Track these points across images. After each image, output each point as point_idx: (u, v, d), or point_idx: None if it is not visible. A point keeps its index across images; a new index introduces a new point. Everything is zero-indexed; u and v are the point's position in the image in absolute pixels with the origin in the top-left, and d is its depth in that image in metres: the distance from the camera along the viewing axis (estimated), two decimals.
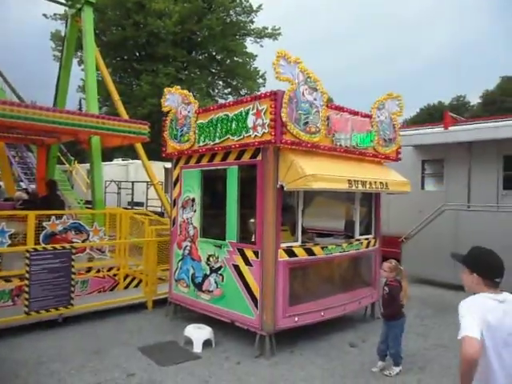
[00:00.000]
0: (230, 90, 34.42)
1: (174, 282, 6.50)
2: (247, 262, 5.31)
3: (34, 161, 12.23)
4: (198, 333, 5.33)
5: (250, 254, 5.29)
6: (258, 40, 32.73)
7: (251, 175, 5.32)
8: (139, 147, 10.36)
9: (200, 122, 5.98)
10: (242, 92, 32.81)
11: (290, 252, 5.25)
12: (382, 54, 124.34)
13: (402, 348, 4.80)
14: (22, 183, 13.29)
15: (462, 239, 8.27)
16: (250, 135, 5.24)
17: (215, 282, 5.73)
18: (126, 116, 10.57)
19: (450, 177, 10.25)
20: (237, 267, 5.43)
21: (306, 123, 5.17)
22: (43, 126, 6.98)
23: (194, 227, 6.13)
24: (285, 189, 5.06)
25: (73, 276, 6.02)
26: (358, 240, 6.29)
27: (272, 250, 5.08)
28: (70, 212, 8.54)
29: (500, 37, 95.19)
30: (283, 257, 5.16)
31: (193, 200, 6.18)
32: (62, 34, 21.11)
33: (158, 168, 16.38)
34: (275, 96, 4.95)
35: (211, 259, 5.79)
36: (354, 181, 5.33)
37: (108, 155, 21.09)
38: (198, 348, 5.21)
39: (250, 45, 33.16)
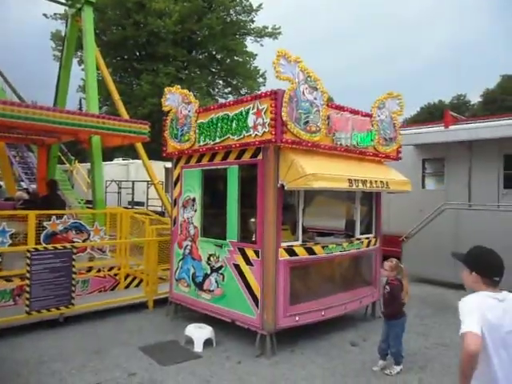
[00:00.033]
0: (230, 89, 34.43)
1: (175, 282, 6.51)
2: (248, 262, 5.31)
3: (34, 161, 12.24)
4: (199, 332, 5.34)
5: (250, 253, 5.29)
6: (258, 39, 32.75)
7: (252, 174, 5.32)
8: (140, 147, 10.36)
9: (200, 122, 5.99)
10: (243, 91, 32.80)
11: (290, 251, 5.25)
12: (381, 54, 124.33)
13: (403, 347, 4.80)
14: (22, 183, 13.31)
15: (462, 238, 8.27)
16: (250, 134, 5.24)
17: (216, 282, 5.74)
18: (126, 116, 10.57)
19: (450, 176, 10.25)
20: (237, 266, 5.43)
21: (307, 122, 5.17)
22: (44, 126, 7.00)
23: (195, 227, 6.13)
24: (285, 188, 5.06)
25: (74, 276, 6.03)
26: (359, 239, 6.29)
27: (273, 249, 5.08)
28: (70, 212, 8.55)
29: (500, 37, 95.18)
30: (284, 256, 5.16)
31: (193, 199, 6.18)
32: (63, 33, 21.12)
33: (159, 168, 16.39)
34: (275, 95, 4.95)
35: (212, 259, 5.80)
36: (355, 180, 5.33)
37: (108, 155, 21.09)
38: (198, 347, 5.21)
39: (250, 44, 33.23)
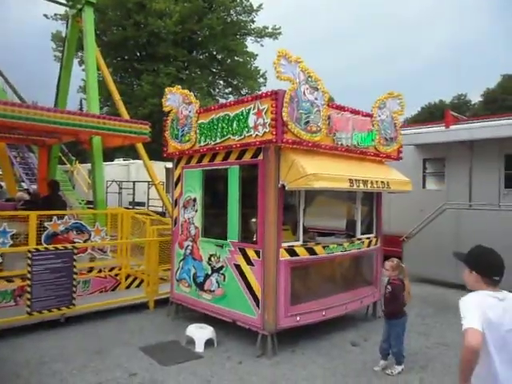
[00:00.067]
0: (230, 89, 34.46)
1: (176, 282, 6.51)
2: (249, 262, 5.31)
3: (35, 161, 12.24)
4: (200, 332, 5.34)
5: (251, 253, 5.29)
6: (259, 39, 32.79)
7: (252, 175, 5.32)
8: (140, 147, 10.37)
9: (201, 122, 5.99)
10: (243, 91, 32.83)
11: (291, 251, 5.25)
12: (381, 54, 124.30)
13: (404, 347, 4.80)
14: (23, 184, 13.32)
15: (463, 238, 8.27)
16: (251, 135, 5.24)
17: (217, 282, 5.74)
18: (126, 116, 10.58)
19: (451, 176, 10.25)
20: (238, 267, 5.44)
21: (307, 122, 5.17)
22: (44, 127, 7.01)
23: (196, 227, 6.13)
24: (286, 188, 5.05)
25: (75, 276, 6.03)
26: (360, 239, 6.29)
27: (273, 249, 5.08)
28: (71, 212, 8.56)
29: (500, 37, 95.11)
30: (285, 256, 5.16)
31: (194, 200, 6.18)
32: (63, 34, 21.14)
33: (159, 168, 16.41)
34: (276, 95, 4.95)
35: (213, 259, 5.80)
36: (355, 180, 5.33)
37: (109, 155, 21.11)
38: (199, 348, 5.21)
39: (251, 44, 33.27)
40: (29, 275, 5.64)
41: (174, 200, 6.64)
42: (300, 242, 5.44)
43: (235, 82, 33.77)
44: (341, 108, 5.77)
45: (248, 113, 5.29)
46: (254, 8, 31.64)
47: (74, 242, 6.81)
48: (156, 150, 12.90)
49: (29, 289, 5.65)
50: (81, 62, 25.88)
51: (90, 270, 7.64)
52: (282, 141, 4.98)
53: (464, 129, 9.83)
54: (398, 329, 4.70)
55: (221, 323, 5.67)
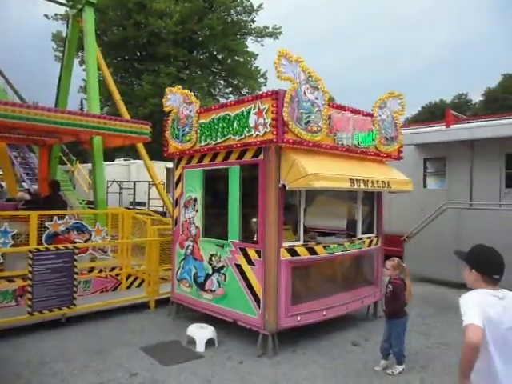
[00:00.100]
0: (231, 89, 34.46)
1: (177, 282, 6.51)
2: (249, 262, 5.31)
3: (36, 161, 12.25)
4: (201, 332, 5.34)
5: (252, 253, 5.29)
6: (259, 39, 32.79)
7: (253, 175, 5.32)
8: (141, 147, 10.36)
9: (202, 122, 5.99)
10: (243, 91, 32.83)
11: (292, 251, 5.25)
12: (381, 54, 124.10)
13: (405, 346, 4.80)
14: (24, 184, 13.32)
15: (464, 237, 8.26)
16: (251, 135, 5.24)
17: (217, 282, 5.74)
18: (127, 116, 10.57)
19: (452, 175, 10.24)
20: (239, 266, 5.44)
21: (308, 122, 5.17)
22: (45, 127, 7.01)
23: (196, 227, 6.13)
24: (287, 188, 5.05)
25: (75, 276, 6.03)
26: (360, 239, 6.28)
27: (274, 249, 5.08)
28: (72, 212, 8.57)
29: (500, 37, 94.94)
30: (285, 256, 5.16)
31: (195, 200, 6.18)
32: (64, 34, 21.13)
33: (160, 168, 16.41)
34: (276, 95, 4.95)
35: (213, 259, 5.80)
36: (356, 180, 5.32)
37: (110, 155, 21.12)
38: (200, 347, 5.21)
39: (251, 44, 33.27)
40: (30, 275, 5.65)
41: (175, 200, 6.64)
42: (301, 242, 5.44)
43: (236, 82, 33.77)
44: (341, 108, 5.77)
45: (248, 113, 5.29)
46: (255, 8, 31.64)
47: (75, 242, 6.81)
48: (156, 150, 12.90)
49: (30, 289, 5.66)
50: (81, 62, 25.87)
51: (91, 269, 7.65)
52: (283, 141, 4.98)
53: (465, 128, 9.82)
54: (398, 328, 4.70)
55: (221, 323, 5.67)
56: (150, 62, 29.87)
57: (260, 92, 5.84)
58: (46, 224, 6.88)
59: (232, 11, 31.88)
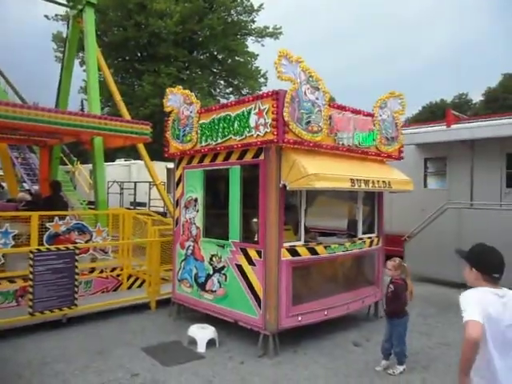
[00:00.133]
0: (231, 89, 34.47)
1: (177, 282, 6.51)
2: (250, 262, 5.31)
3: (36, 162, 12.26)
4: (202, 333, 5.34)
5: (253, 253, 5.29)
6: (259, 39, 32.80)
7: (254, 175, 5.32)
8: (141, 147, 10.37)
9: (202, 122, 5.99)
10: (244, 91, 32.84)
11: (292, 251, 5.25)
12: (381, 54, 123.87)
13: (407, 347, 4.79)
14: (25, 184, 13.33)
15: (464, 237, 8.25)
16: (252, 135, 5.24)
17: (218, 282, 5.74)
18: (128, 116, 10.58)
19: (452, 175, 10.24)
20: (240, 267, 5.43)
21: (308, 122, 5.17)
22: (46, 127, 7.02)
23: (197, 227, 6.13)
24: (287, 188, 5.05)
25: (76, 276, 6.04)
26: (361, 239, 6.28)
27: (275, 249, 5.08)
28: (73, 213, 8.57)
29: (500, 37, 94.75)
30: (286, 256, 5.16)
31: (195, 200, 6.18)
32: (64, 35, 21.14)
33: (161, 168, 16.41)
34: (277, 95, 4.95)
35: (214, 259, 5.80)
36: (357, 180, 5.32)
37: (110, 156, 21.13)
38: (201, 348, 5.21)
39: (251, 44, 33.27)
40: (31, 276, 5.65)
41: (176, 200, 6.64)
42: (301, 242, 5.44)
43: (236, 82, 33.78)
44: (342, 108, 5.77)
45: (249, 113, 5.29)
46: (255, 8, 31.66)
47: (76, 243, 6.81)
48: (157, 151, 12.89)
49: (31, 289, 5.66)
50: (82, 63, 25.85)
51: (92, 270, 7.65)
52: (283, 141, 4.98)
53: (465, 128, 9.82)
54: (399, 328, 4.70)
55: (222, 323, 5.67)
56: (151, 63, 29.89)
57: (260, 92, 5.84)
58: (47, 224, 6.88)
59: (232, 11, 31.89)
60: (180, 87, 6.48)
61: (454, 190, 10.00)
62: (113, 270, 7.83)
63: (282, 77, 4.98)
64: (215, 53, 32.93)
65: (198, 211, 6.13)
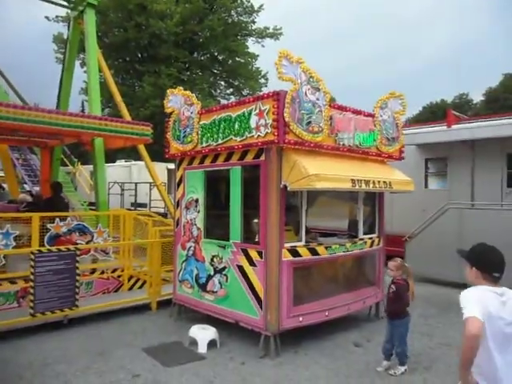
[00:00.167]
0: (232, 90, 34.45)
1: (178, 283, 6.51)
2: (251, 263, 5.31)
3: (37, 163, 12.28)
4: (203, 333, 5.34)
5: (253, 254, 5.29)
6: (260, 40, 32.78)
7: (254, 175, 5.32)
8: (142, 148, 10.38)
9: (203, 123, 5.99)
10: (244, 92, 32.83)
11: (293, 252, 5.25)
12: (381, 54, 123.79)
13: (408, 347, 4.79)
14: (25, 185, 13.34)
15: (465, 237, 8.24)
16: (252, 135, 5.25)
17: (219, 283, 5.74)
18: (128, 117, 10.59)
19: (453, 175, 10.23)
20: (241, 267, 5.43)
21: (309, 123, 5.17)
22: (46, 128, 7.03)
23: (198, 228, 6.13)
24: (288, 189, 5.05)
25: (77, 277, 6.04)
26: (362, 239, 6.28)
27: (276, 249, 5.08)
28: (73, 214, 8.58)
29: (500, 37, 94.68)
30: (287, 257, 5.16)
31: (196, 201, 6.18)
32: (65, 36, 21.17)
33: (161, 169, 16.42)
34: (278, 96, 4.95)
35: (215, 260, 5.80)
36: (358, 180, 5.32)
37: (111, 156, 21.15)
38: (202, 348, 5.21)
39: (252, 45, 33.26)
40: (32, 277, 5.66)
41: (176, 201, 6.64)
42: (302, 243, 5.44)
43: (236, 83, 33.76)
44: (342, 108, 5.77)
45: (250, 113, 5.29)
46: (255, 9, 31.65)
47: (77, 244, 6.81)
48: (158, 151, 12.90)
49: (32, 290, 5.67)
50: (82, 64, 25.91)
51: (93, 271, 7.64)
52: (284, 141, 4.98)
53: (466, 128, 9.81)
54: (401, 329, 4.70)
55: (223, 324, 5.67)
56: (151, 64, 29.90)
57: (261, 93, 5.84)
58: (48, 226, 6.88)
59: (232, 12, 31.89)
60: (180, 88, 6.49)
61: (454, 191, 10.00)
62: (114, 270, 7.83)
63: (283, 77, 4.98)
64: (216, 54, 32.93)
65: (198, 212, 6.14)
